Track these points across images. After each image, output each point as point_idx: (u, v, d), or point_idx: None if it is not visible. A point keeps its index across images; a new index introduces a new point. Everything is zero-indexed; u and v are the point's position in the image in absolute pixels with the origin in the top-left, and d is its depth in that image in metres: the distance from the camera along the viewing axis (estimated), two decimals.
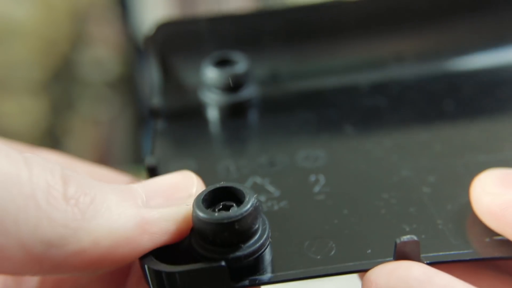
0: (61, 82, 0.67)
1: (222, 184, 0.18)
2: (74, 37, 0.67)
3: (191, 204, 0.18)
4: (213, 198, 0.18)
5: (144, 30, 0.69)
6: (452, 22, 0.30)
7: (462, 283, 0.16)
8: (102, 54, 0.69)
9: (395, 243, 0.17)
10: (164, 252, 0.18)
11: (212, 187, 0.18)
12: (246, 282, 0.18)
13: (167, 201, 0.18)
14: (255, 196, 0.18)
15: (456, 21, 0.30)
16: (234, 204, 0.18)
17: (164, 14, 0.64)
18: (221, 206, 0.18)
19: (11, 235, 0.15)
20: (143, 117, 0.72)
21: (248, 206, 0.17)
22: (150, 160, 0.23)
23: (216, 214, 0.17)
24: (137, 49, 0.69)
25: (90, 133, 0.66)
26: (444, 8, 0.30)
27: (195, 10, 0.66)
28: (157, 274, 0.17)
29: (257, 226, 0.18)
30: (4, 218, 0.15)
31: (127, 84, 0.70)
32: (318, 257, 0.19)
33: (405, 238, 0.17)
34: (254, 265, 0.18)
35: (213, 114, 0.28)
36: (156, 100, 0.27)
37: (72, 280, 0.19)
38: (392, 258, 0.18)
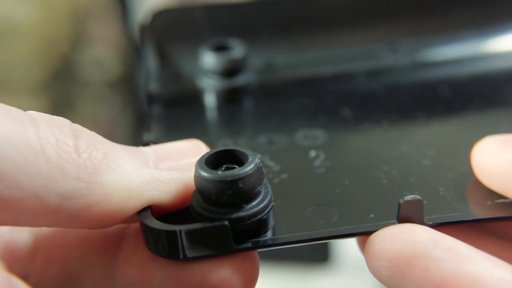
0: (61, 82, 0.67)
1: (225, 147, 0.18)
2: (74, 37, 0.67)
3: None
4: (216, 161, 0.18)
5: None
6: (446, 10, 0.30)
7: (466, 245, 0.16)
8: (102, 54, 0.69)
9: (399, 202, 0.17)
10: (165, 216, 0.18)
11: (215, 150, 0.18)
12: (249, 245, 0.17)
13: (176, 165, 0.19)
14: (258, 156, 0.18)
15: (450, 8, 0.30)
16: (236, 166, 0.18)
17: None
18: (223, 168, 0.18)
19: (26, 188, 0.15)
20: (143, 117, 0.72)
21: (252, 165, 0.17)
22: (148, 137, 0.23)
23: (220, 172, 0.17)
24: (137, 49, 0.69)
25: None
26: None
27: None
28: (157, 233, 0.17)
29: (260, 187, 0.18)
30: (15, 173, 0.15)
31: (127, 84, 0.70)
32: (321, 222, 0.19)
33: (409, 197, 0.17)
34: (256, 228, 0.18)
35: (210, 99, 0.28)
36: (153, 86, 0.27)
37: (63, 252, 0.19)
38: (395, 220, 0.18)
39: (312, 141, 0.24)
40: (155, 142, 0.22)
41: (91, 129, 0.18)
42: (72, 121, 0.17)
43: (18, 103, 0.66)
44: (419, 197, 0.17)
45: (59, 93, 0.67)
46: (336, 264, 0.61)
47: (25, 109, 0.17)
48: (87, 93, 0.68)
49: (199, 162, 0.17)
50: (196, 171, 0.17)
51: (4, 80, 0.65)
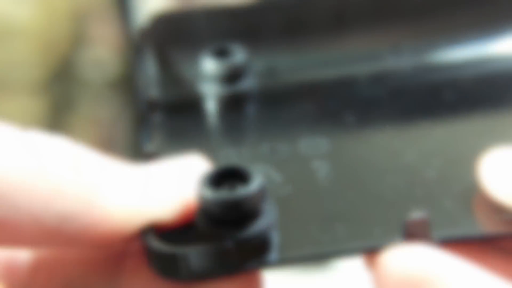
0: (61, 82, 0.67)
1: (228, 165, 0.18)
2: (74, 37, 0.67)
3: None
4: (218, 179, 0.18)
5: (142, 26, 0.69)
6: (449, 12, 0.30)
7: (476, 268, 0.16)
8: (102, 54, 0.69)
9: (405, 221, 0.17)
10: (168, 234, 0.18)
11: (217, 168, 0.18)
12: (254, 264, 0.17)
13: (177, 182, 0.18)
14: (261, 175, 0.17)
15: (453, 11, 0.30)
16: (240, 184, 0.17)
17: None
18: (226, 187, 0.18)
19: (24, 210, 0.15)
20: (142, 119, 0.72)
21: (255, 184, 0.17)
22: (149, 147, 0.22)
23: (223, 192, 0.17)
24: (136, 50, 0.69)
25: (90, 133, 0.66)
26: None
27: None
28: (160, 254, 0.17)
29: (264, 205, 0.17)
30: (14, 194, 0.15)
31: (127, 84, 0.70)
32: (326, 237, 0.18)
33: (415, 215, 0.17)
34: (261, 247, 0.17)
35: (211, 105, 0.28)
36: (153, 92, 0.27)
37: (65, 270, 0.19)
38: (402, 238, 0.17)
39: (315, 150, 0.23)
40: (156, 152, 0.22)
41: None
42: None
43: (18, 103, 0.66)
44: (425, 215, 0.17)
45: (59, 93, 0.67)
46: (336, 264, 0.61)
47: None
48: (87, 93, 0.68)
49: (201, 181, 0.17)
50: (198, 190, 0.17)
51: (4, 80, 0.65)
